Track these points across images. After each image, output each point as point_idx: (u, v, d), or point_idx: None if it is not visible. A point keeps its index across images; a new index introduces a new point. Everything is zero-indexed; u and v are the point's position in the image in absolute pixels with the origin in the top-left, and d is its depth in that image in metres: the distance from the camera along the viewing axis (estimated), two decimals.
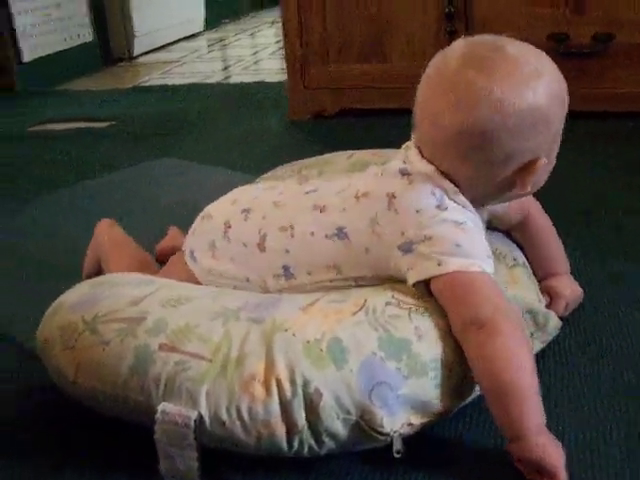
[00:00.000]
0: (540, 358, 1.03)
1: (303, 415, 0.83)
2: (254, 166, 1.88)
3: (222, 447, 0.87)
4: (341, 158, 1.39)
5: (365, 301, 0.91)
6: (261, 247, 1.03)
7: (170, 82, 3.25)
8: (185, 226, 1.22)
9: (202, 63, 3.68)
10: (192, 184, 1.90)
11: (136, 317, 0.93)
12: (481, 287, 0.89)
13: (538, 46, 1.94)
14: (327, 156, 1.44)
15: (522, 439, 0.82)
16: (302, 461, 0.87)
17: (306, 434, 0.84)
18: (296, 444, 0.85)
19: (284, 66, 2.42)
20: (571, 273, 1.19)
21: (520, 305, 1.01)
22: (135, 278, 1.06)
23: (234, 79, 3.23)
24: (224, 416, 0.84)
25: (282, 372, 0.84)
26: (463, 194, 0.93)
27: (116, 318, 0.94)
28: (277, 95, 2.69)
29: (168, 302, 0.95)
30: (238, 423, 0.84)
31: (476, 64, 0.88)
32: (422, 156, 0.95)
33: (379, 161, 1.10)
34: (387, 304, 0.90)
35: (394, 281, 0.95)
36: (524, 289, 1.06)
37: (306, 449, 0.85)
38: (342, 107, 2.30)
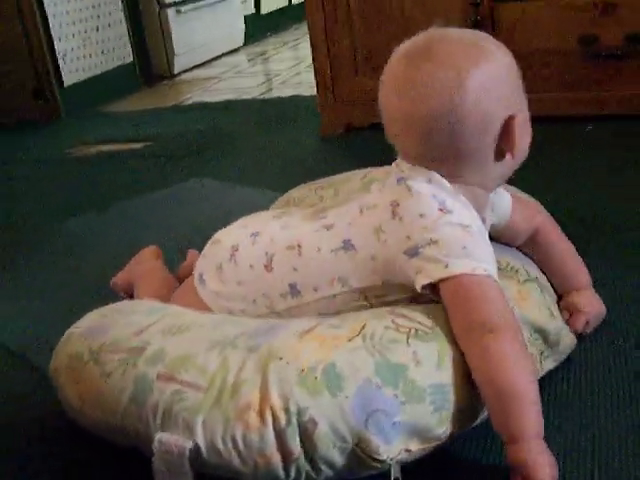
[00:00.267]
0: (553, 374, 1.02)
1: (298, 443, 0.83)
2: (285, 185, 1.87)
3: (220, 475, 0.87)
4: (356, 177, 1.38)
5: (363, 326, 0.90)
6: (268, 267, 1.03)
7: (209, 99, 3.29)
8: None
9: (242, 78, 3.70)
10: (221, 206, 1.91)
11: (137, 347, 0.94)
12: (487, 291, 0.89)
13: (568, 49, 1.93)
14: (343, 175, 1.44)
15: (518, 441, 0.83)
16: None
17: (302, 462, 0.84)
18: (293, 472, 0.84)
19: None
20: (596, 286, 1.16)
21: (527, 325, 0.99)
22: (145, 306, 1.08)
23: (271, 94, 3.25)
24: (220, 445, 0.84)
25: (276, 401, 0.84)
26: (465, 188, 0.95)
27: (119, 348, 0.95)
28: (311, 109, 2.69)
29: (169, 330, 0.96)
30: (234, 452, 0.84)
31: (419, 55, 0.93)
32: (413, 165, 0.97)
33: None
34: (386, 328, 0.89)
35: (396, 304, 0.95)
36: (533, 306, 1.03)
37: (303, 477, 0.85)
38: (373, 120, 2.28)
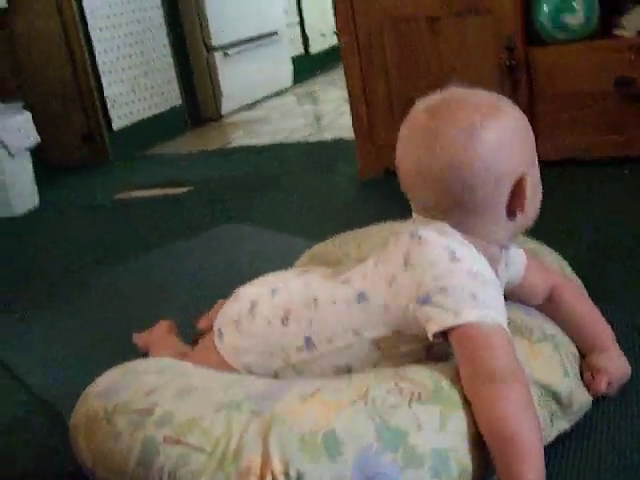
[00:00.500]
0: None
1: None
2: (322, 231, 1.88)
3: None
4: (379, 232, 1.40)
5: (366, 390, 0.90)
6: (285, 322, 1.06)
7: (254, 142, 3.33)
8: None
9: (286, 120, 3.75)
10: (252, 253, 1.93)
11: (146, 408, 0.96)
12: (495, 341, 0.90)
13: (604, 92, 1.91)
14: (368, 229, 1.46)
15: None
16: None
17: None
18: None
19: None
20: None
21: (536, 385, 0.98)
22: (158, 365, 1.09)
23: (315, 136, 3.27)
24: None
25: (277, 466, 0.84)
26: (477, 242, 0.97)
27: (131, 409, 0.97)
28: (351, 153, 2.71)
29: (179, 392, 0.98)
30: None
31: (437, 111, 0.96)
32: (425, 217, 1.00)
33: None
34: (388, 392, 0.90)
35: (410, 354, 0.97)
36: (544, 366, 1.02)
37: None
38: None
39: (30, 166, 2.82)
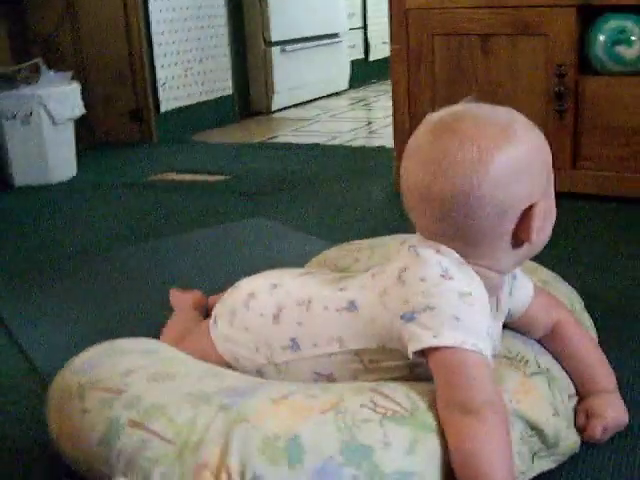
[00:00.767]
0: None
1: None
2: (347, 236, 1.86)
3: None
4: (395, 242, 1.36)
5: (340, 400, 0.87)
6: (276, 319, 1.05)
7: (297, 140, 3.32)
8: None
9: (334, 123, 3.73)
10: (272, 249, 1.92)
11: (118, 389, 0.94)
12: (471, 368, 0.87)
13: None
14: (384, 238, 1.44)
15: None
16: None
17: None
18: None
19: None
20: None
21: (522, 420, 0.94)
22: (144, 346, 1.07)
23: (358, 142, 3.25)
24: None
25: (234, 465, 0.82)
26: (477, 267, 0.93)
27: (103, 387, 0.96)
28: (390, 162, 2.68)
29: (155, 377, 0.96)
30: None
31: (445, 130, 0.90)
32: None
33: None
34: (361, 406, 0.87)
35: (393, 370, 0.95)
36: (535, 402, 0.98)
37: None
38: None
39: (72, 136, 2.84)
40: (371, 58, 4.83)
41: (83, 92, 2.90)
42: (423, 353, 0.88)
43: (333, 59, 4.36)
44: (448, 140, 0.89)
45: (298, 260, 1.53)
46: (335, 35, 4.34)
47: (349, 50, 4.55)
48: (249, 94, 3.92)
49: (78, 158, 2.90)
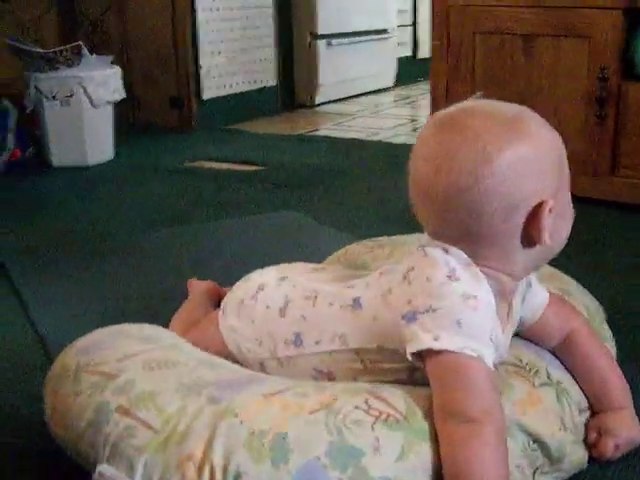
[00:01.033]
0: None
1: None
2: (374, 233, 1.83)
3: None
4: (414, 240, 1.33)
5: (333, 400, 0.85)
6: (282, 312, 1.03)
7: (337, 134, 3.29)
8: None
9: (376, 119, 3.69)
10: (300, 243, 1.89)
11: (112, 373, 0.93)
12: (470, 375, 0.83)
13: None
14: (405, 237, 1.40)
15: None
16: None
17: None
18: None
19: None
20: None
21: (525, 433, 0.91)
22: (148, 332, 1.06)
23: (398, 139, 3.21)
24: None
25: (218, 459, 0.80)
26: (488, 269, 0.89)
27: (98, 370, 0.95)
28: None
29: (150, 364, 0.94)
30: None
31: (450, 126, 0.87)
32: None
33: None
34: (355, 408, 0.84)
35: (393, 372, 0.92)
36: (540, 415, 0.94)
37: None
38: None
39: (111, 120, 2.84)
40: (419, 56, 4.78)
41: (126, 76, 2.91)
42: (421, 355, 0.85)
43: (380, 55, 4.32)
44: (451, 135, 0.86)
45: (323, 255, 1.50)
46: (384, 31, 4.30)
47: (397, 47, 4.50)
48: (293, 86, 3.89)
49: (117, 141, 2.91)
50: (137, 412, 0.86)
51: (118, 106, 2.90)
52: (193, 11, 3.26)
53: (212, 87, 3.40)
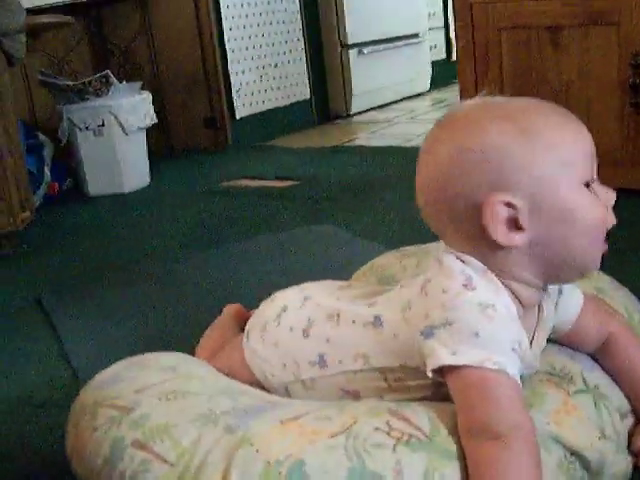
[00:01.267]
0: None
1: None
2: (409, 243, 1.80)
3: None
4: (439, 247, 1.29)
5: (353, 423, 0.81)
6: (305, 333, 0.99)
7: (373, 143, 3.26)
8: None
9: (412, 124, 3.64)
10: (333, 258, 1.86)
11: (129, 407, 0.91)
12: (493, 389, 0.79)
13: None
14: (431, 245, 1.36)
15: None
16: None
17: None
18: None
19: None
20: None
21: (561, 445, 0.86)
22: (168, 361, 1.04)
23: None
24: None
25: None
26: (502, 278, 0.84)
27: (114, 404, 0.92)
28: None
29: (167, 395, 0.92)
30: None
31: (441, 122, 0.88)
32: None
33: None
34: (376, 429, 0.80)
35: (418, 390, 0.88)
36: (577, 424, 0.88)
37: None
38: None
39: (144, 145, 2.86)
40: (453, 58, 4.71)
41: (159, 101, 2.94)
42: (442, 372, 0.81)
43: (413, 60, 4.27)
44: (438, 131, 0.87)
45: (356, 268, 1.46)
46: (415, 35, 4.25)
47: (430, 51, 4.44)
48: (327, 98, 3.87)
49: (153, 167, 2.93)
50: (152, 446, 0.83)
51: (153, 132, 2.91)
52: (220, 30, 3.27)
53: (245, 105, 3.39)
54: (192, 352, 1.16)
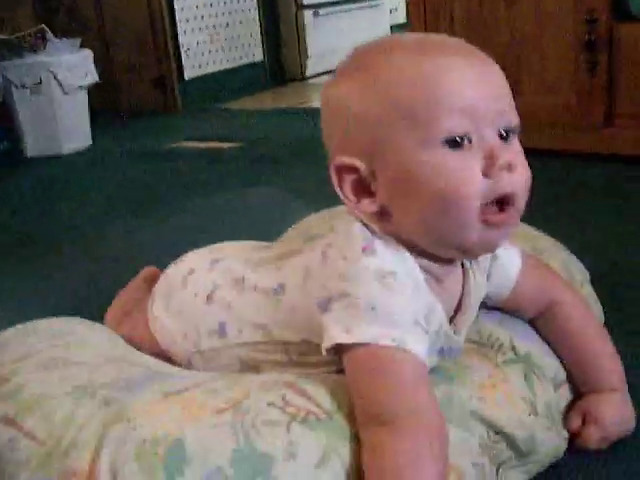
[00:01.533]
0: None
1: None
2: None
3: None
4: None
5: (244, 397, 0.71)
6: (209, 299, 0.89)
7: None
8: None
9: None
10: (274, 219, 1.76)
11: (5, 377, 0.81)
12: (390, 369, 0.69)
13: None
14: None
15: None
16: None
17: None
18: None
19: None
20: None
21: (485, 425, 0.77)
22: (62, 326, 0.94)
23: None
24: None
25: (103, 474, 0.67)
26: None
27: None
28: None
29: (47, 363, 0.82)
30: None
31: None
32: None
33: None
34: (268, 405, 0.70)
35: (321, 365, 0.77)
36: (504, 399, 0.80)
37: None
38: None
39: (85, 105, 2.73)
40: None
41: (106, 60, 2.80)
42: (337, 350, 0.72)
43: (372, 23, 4.14)
44: None
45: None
46: None
47: (391, 14, 4.33)
48: (282, 60, 3.75)
49: (97, 128, 2.80)
50: (22, 421, 0.74)
51: (99, 92, 2.78)
52: None
53: (195, 66, 3.26)
54: None
